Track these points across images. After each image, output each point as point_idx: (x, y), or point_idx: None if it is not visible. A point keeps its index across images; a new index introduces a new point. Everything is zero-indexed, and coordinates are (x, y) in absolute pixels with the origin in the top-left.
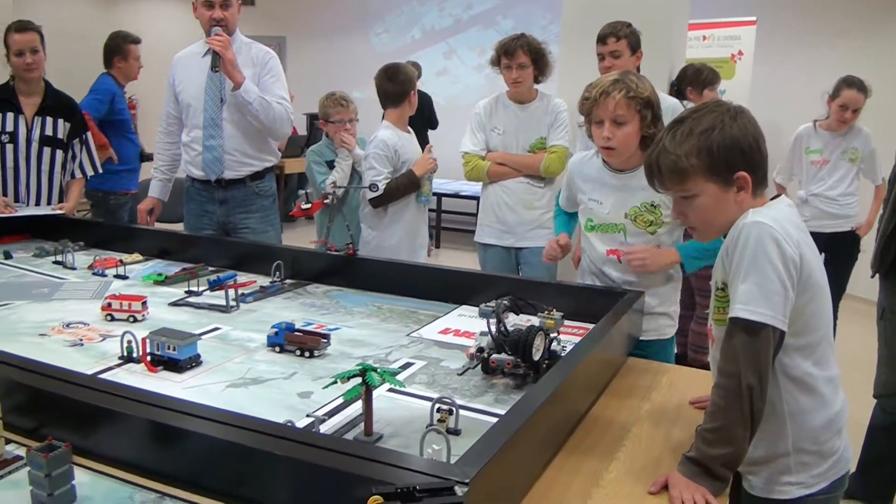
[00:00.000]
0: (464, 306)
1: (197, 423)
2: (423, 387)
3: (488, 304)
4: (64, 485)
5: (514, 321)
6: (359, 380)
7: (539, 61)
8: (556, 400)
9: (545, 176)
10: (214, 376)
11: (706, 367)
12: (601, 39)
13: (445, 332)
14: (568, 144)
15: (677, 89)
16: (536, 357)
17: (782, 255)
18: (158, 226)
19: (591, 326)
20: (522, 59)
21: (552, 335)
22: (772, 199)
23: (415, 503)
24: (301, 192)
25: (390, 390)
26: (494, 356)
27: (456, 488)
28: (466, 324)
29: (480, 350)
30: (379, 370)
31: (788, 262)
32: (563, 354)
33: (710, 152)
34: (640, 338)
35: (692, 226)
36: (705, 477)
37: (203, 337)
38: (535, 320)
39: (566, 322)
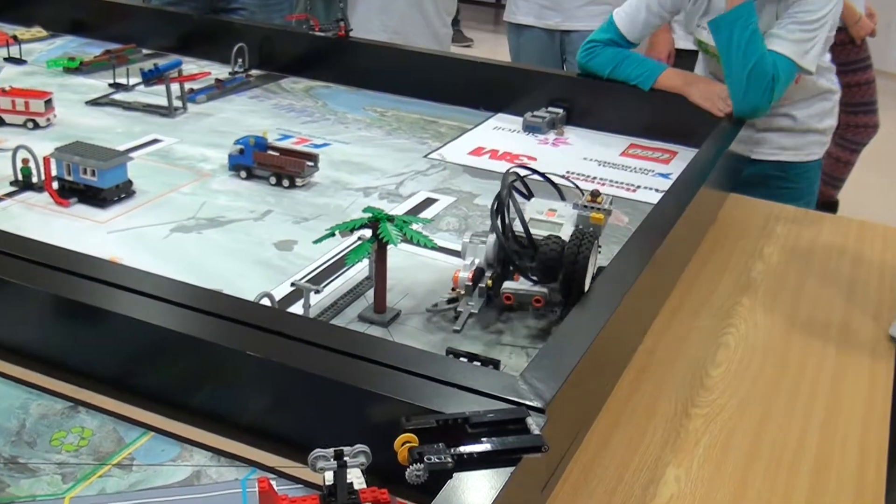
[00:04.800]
0: (500, 115)
1: (127, 302)
2: (454, 236)
3: (536, 113)
4: None
5: (533, 207)
6: (368, 233)
7: None
8: (651, 271)
9: None
10: (153, 214)
11: (833, 206)
12: None
13: (477, 151)
14: None
15: None
16: (587, 287)
17: None
18: None
19: (676, 149)
20: None
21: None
22: None
23: (468, 443)
24: None
25: (405, 240)
26: (509, 285)
27: (530, 420)
28: (506, 141)
29: (479, 273)
30: (396, 220)
31: None
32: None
33: None
34: (781, 159)
35: None
36: None
37: (135, 154)
38: (561, 208)
39: (643, 143)
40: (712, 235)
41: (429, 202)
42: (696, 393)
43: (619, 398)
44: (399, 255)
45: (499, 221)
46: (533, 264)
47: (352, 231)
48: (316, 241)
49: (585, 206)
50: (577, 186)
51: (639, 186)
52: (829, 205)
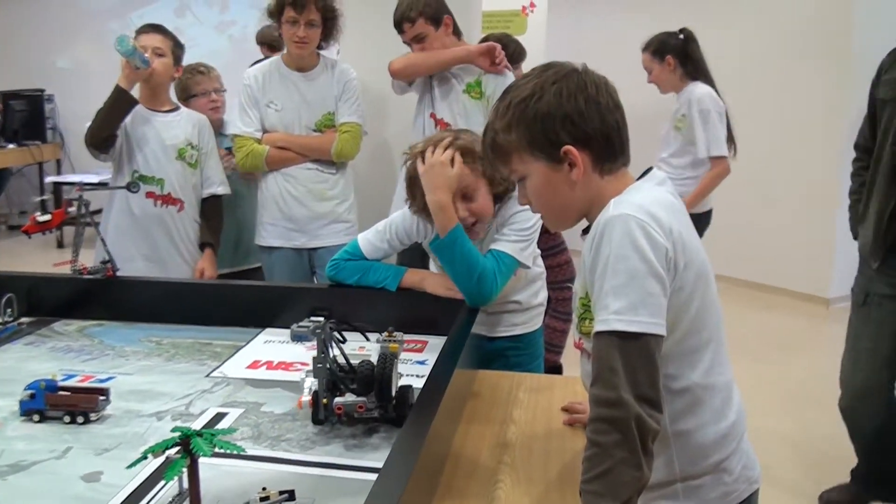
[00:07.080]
0: (268, 329)
1: None
2: (250, 443)
3: (301, 324)
4: None
5: (348, 347)
6: (174, 451)
7: (329, 21)
8: (433, 440)
9: (337, 161)
10: None
11: (558, 369)
12: (397, 26)
13: (254, 365)
14: (361, 121)
15: None
16: (394, 391)
17: (654, 248)
18: None
19: (426, 339)
20: (314, 15)
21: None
22: (641, 175)
23: None
24: (35, 199)
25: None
26: (339, 400)
27: None
28: (278, 352)
29: (316, 395)
30: (205, 434)
31: (661, 254)
32: (408, 384)
33: (527, 125)
34: (515, 333)
35: (539, 212)
36: None
37: None
38: (367, 345)
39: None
40: (470, 408)
41: (220, 416)
42: None
43: None
44: (203, 467)
45: (325, 360)
46: (354, 386)
47: (164, 451)
48: (129, 466)
49: (385, 340)
50: (377, 331)
51: (402, 374)
52: (555, 368)
